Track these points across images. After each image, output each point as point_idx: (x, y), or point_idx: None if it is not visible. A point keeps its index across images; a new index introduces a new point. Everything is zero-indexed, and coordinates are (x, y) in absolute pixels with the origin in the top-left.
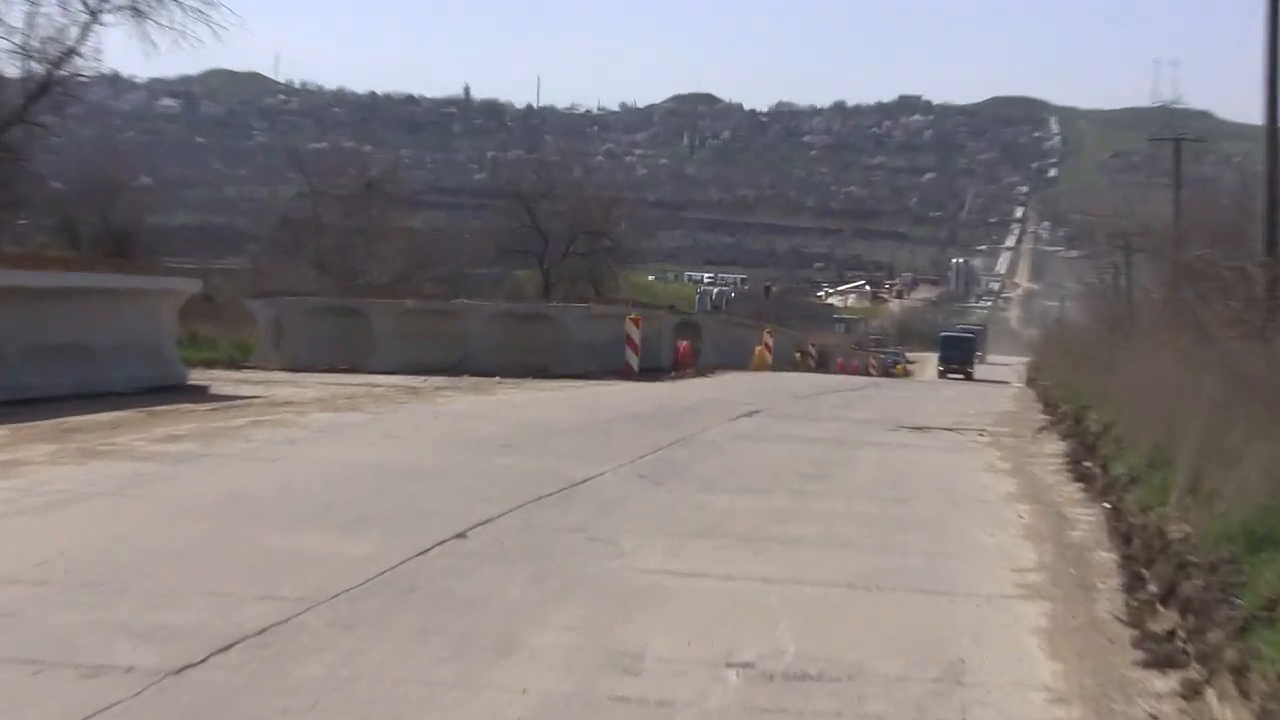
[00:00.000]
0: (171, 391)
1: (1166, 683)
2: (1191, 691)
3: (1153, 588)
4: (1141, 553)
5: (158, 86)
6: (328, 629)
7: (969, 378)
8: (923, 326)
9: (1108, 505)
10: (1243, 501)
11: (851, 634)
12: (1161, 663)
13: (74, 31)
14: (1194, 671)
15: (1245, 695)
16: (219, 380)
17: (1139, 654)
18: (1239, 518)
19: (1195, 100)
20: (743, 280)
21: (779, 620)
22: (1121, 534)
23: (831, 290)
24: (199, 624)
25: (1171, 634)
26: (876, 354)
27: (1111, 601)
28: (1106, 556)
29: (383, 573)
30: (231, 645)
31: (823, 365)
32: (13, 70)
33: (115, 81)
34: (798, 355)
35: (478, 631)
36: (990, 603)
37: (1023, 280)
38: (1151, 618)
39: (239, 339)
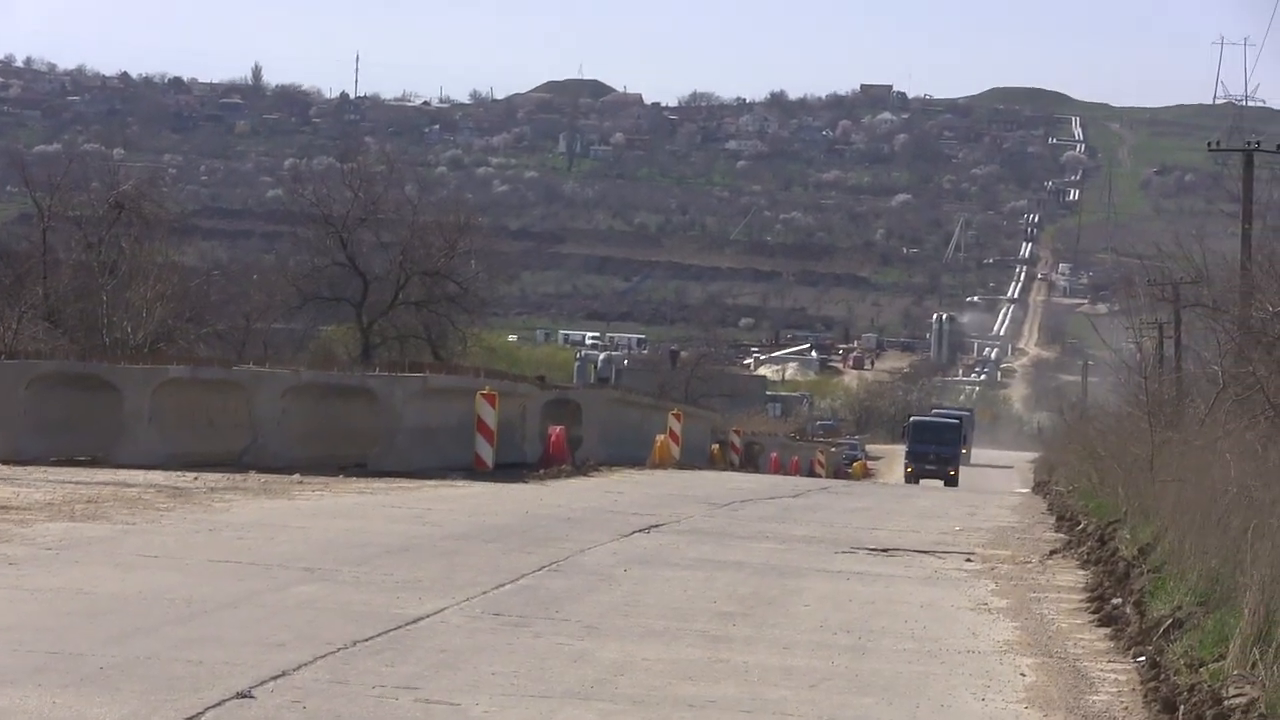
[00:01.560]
0: None
1: None
2: None
3: None
4: None
5: None
6: None
7: (951, 481)
8: (890, 408)
9: (1143, 659)
10: None
11: None
12: None
13: None
14: None
15: None
16: None
17: None
18: None
19: (1275, 97)
20: (640, 343)
21: None
22: (1162, 699)
23: (764, 357)
24: None
25: None
26: (826, 447)
27: None
28: None
29: None
30: None
31: (751, 462)
32: None
33: None
34: (716, 448)
35: None
36: None
37: (1030, 345)
38: None
39: None
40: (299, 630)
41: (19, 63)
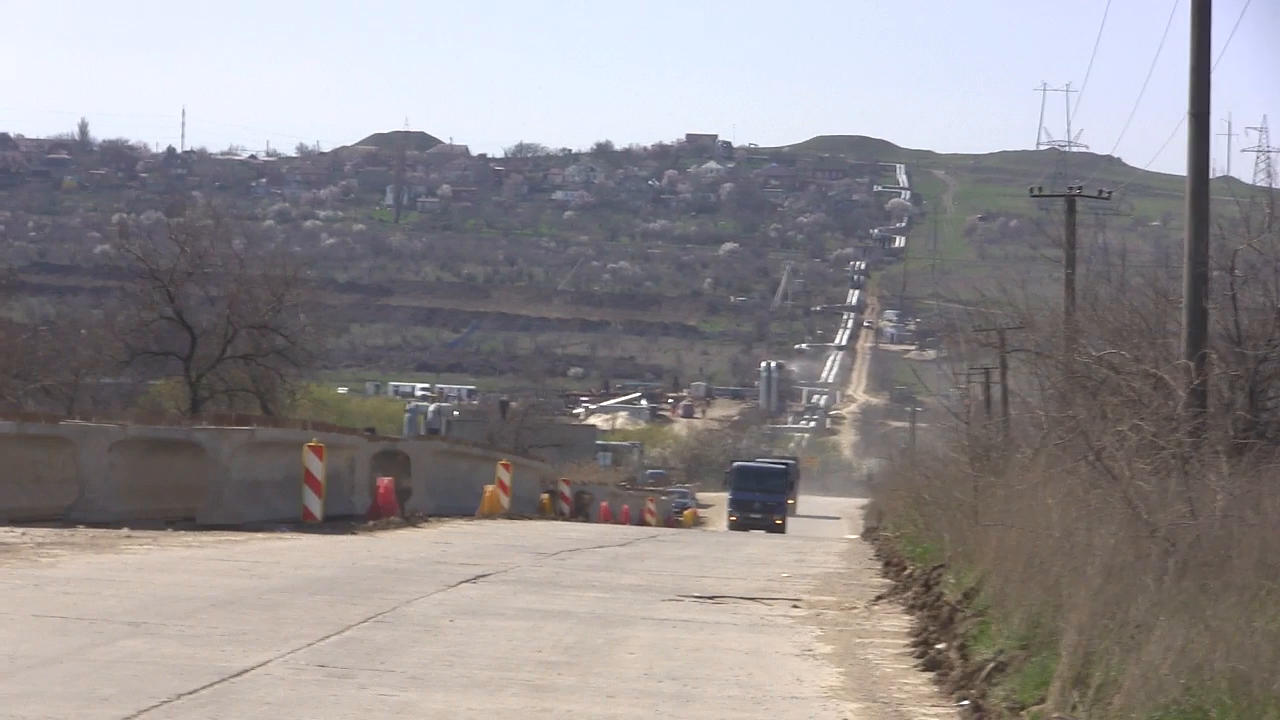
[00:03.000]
0: None
1: None
2: None
3: None
4: None
5: None
6: None
7: (778, 529)
8: (721, 457)
9: (966, 703)
10: (1148, 698)
11: None
12: None
13: None
14: None
15: None
16: None
17: None
18: (1143, 718)
19: (1098, 143)
20: (470, 394)
21: None
22: None
23: (594, 407)
24: None
25: None
26: (656, 495)
27: None
28: None
29: None
30: None
31: (581, 511)
32: None
33: None
34: (546, 497)
35: None
36: None
37: (859, 392)
38: None
39: None
40: (123, 685)
41: None
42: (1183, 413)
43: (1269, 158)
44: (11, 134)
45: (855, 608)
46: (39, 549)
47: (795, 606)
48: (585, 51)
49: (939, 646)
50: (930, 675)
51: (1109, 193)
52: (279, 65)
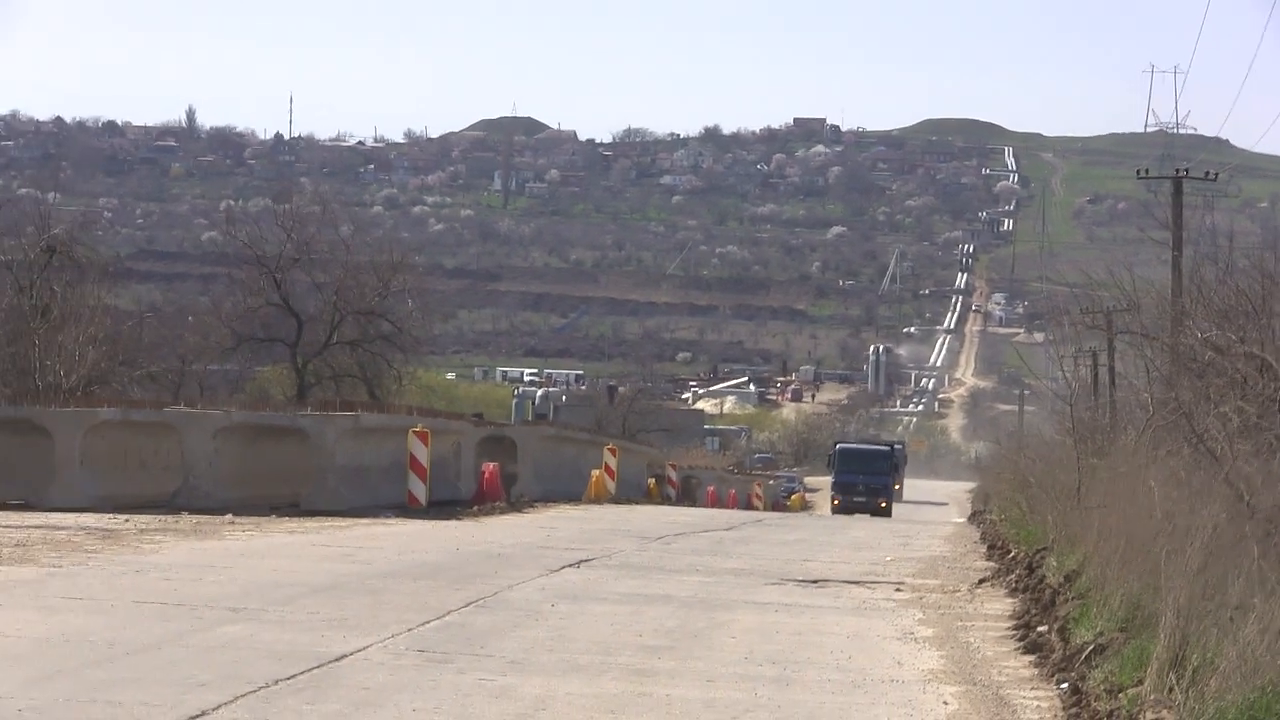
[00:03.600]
0: None
1: None
2: None
3: None
4: None
5: None
6: None
7: (882, 513)
8: (828, 440)
9: (1066, 685)
10: (1244, 679)
11: None
12: None
13: None
14: None
15: None
16: None
17: None
18: (1239, 700)
19: (1205, 125)
20: (578, 378)
21: None
22: None
23: (702, 391)
24: None
25: None
26: (763, 480)
27: None
28: None
29: None
30: None
31: (688, 495)
32: None
33: None
34: (653, 483)
35: None
36: None
37: (967, 375)
38: None
39: None
40: (222, 670)
41: (74, 117)
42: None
43: None
44: (119, 121)
45: (958, 591)
46: (142, 535)
47: (898, 590)
48: (693, 35)
49: (1040, 629)
50: (1030, 658)
51: (1216, 174)
52: (386, 51)
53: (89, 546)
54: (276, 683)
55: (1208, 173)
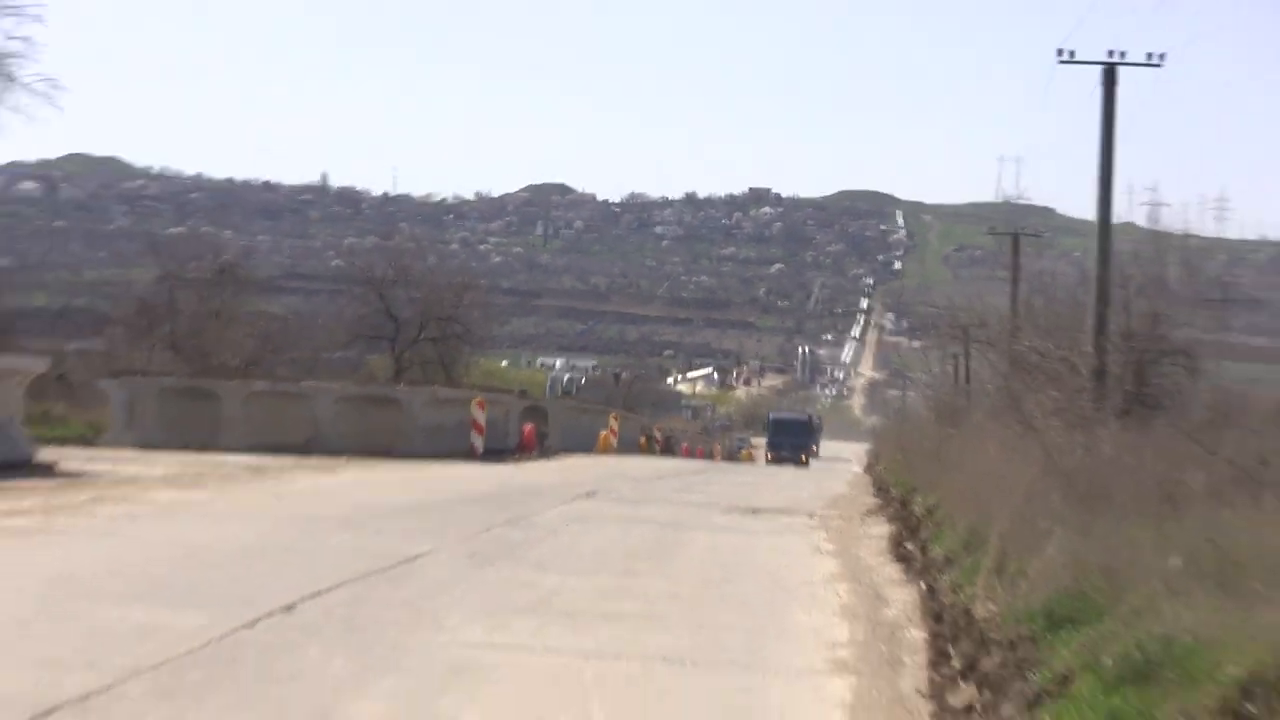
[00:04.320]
0: (17, 469)
1: None
2: None
3: (956, 664)
4: (949, 630)
5: (17, 170)
6: (146, 697)
7: (803, 464)
8: (766, 413)
9: (923, 585)
10: (1044, 583)
11: (662, 711)
12: None
13: None
14: None
15: None
16: (68, 458)
17: None
18: (1040, 598)
19: (1037, 196)
20: (594, 367)
21: (591, 696)
22: (933, 613)
23: (681, 377)
24: (22, 691)
25: (969, 708)
26: (721, 439)
27: (916, 677)
28: (916, 634)
29: (207, 644)
30: (51, 711)
31: (668, 450)
32: None
33: None
34: (643, 440)
35: (294, 704)
36: (800, 679)
37: (867, 369)
38: (952, 692)
39: (92, 418)
40: (335, 564)
41: (156, 169)
42: (1086, 386)
43: (1157, 209)
44: (273, 181)
45: (852, 519)
46: (281, 471)
47: (810, 518)
48: (677, 124)
49: (908, 546)
50: (900, 566)
51: (1043, 233)
52: (464, 131)
53: (244, 478)
54: (371, 574)
55: (1038, 232)
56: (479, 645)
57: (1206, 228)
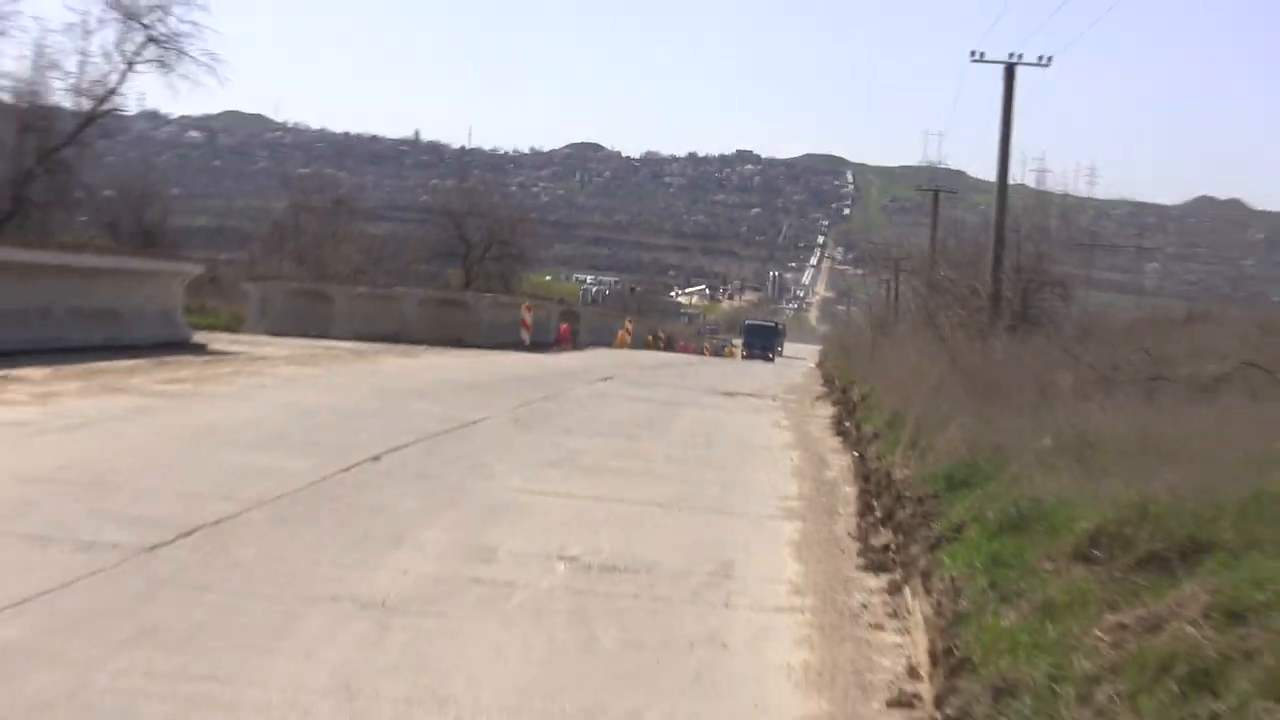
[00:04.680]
0: (178, 347)
1: (878, 582)
2: (894, 588)
3: (878, 514)
4: (874, 489)
5: (185, 122)
6: (266, 522)
7: (769, 360)
8: (744, 320)
9: (856, 454)
10: (946, 455)
11: (654, 540)
12: (876, 567)
13: (114, 77)
14: (898, 574)
15: (928, 591)
16: (216, 340)
17: (861, 561)
18: (943, 466)
19: (954, 162)
20: (615, 282)
21: (601, 528)
22: (862, 475)
23: (680, 292)
24: (171, 515)
25: (886, 547)
26: (711, 340)
27: (847, 523)
28: (849, 491)
29: (313, 484)
30: (193, 531)
31: (669, 346)
32: (67, 104)
33: (154, 117)
34: (650, 338)
35: (378, 529)
36: (760, 521)
37: (821, 290)
38: (874, 535)
39: (235, 311)
40: (411, 426)
41: (291, 124)
42: (984, 307)
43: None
44: (378, 135)
45: (805, 403)
46: (376, 355)
47: (774, 400)
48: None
49: (846, 424)
50: (840, 439)
51: (957, 191)
52: (523, 97)
53: (347, 359)
54: (440, 434)
55: (954, 190)
56: (518, 490)
57: (1080, 189)
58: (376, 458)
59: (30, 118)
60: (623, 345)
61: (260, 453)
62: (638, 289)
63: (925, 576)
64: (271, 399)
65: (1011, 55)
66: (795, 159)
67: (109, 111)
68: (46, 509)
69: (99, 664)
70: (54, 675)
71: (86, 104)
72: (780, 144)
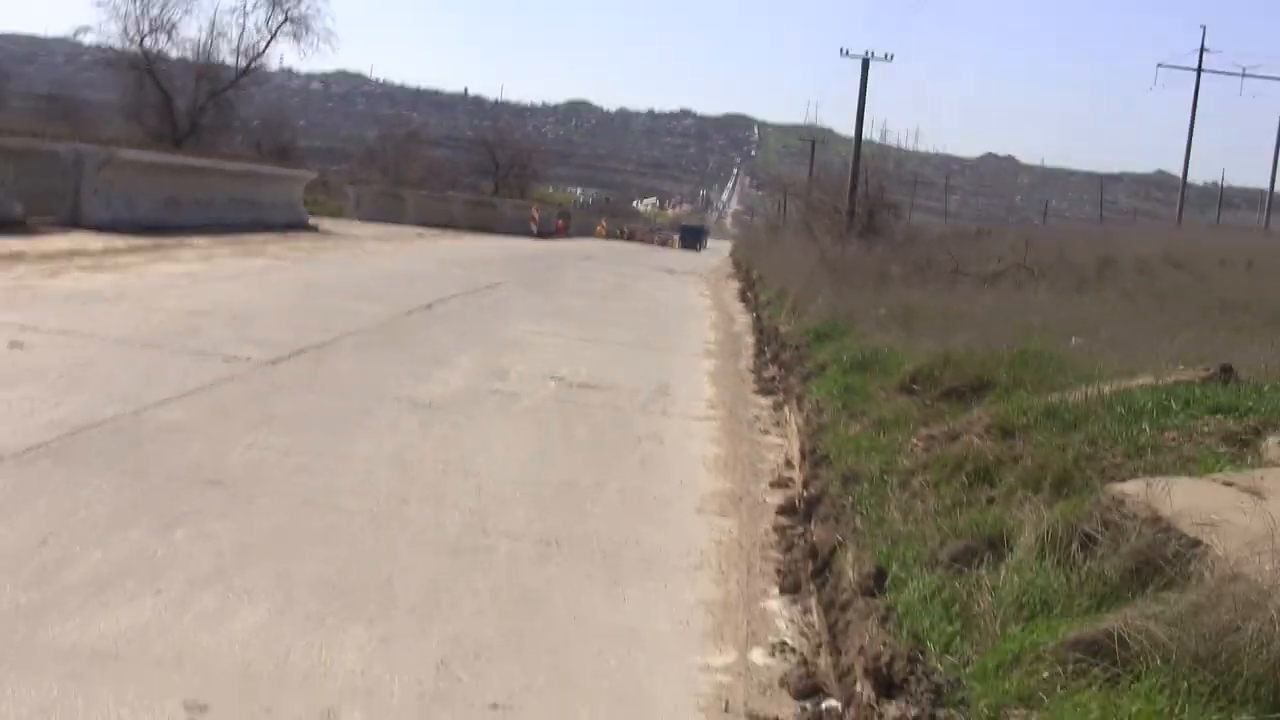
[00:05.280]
0: (299, 228)
1: (767, 401)
2: (777, 406)
3: (768, 355)
4: (766, 338)
5: (310, 77)
6: (352, 347)
7: (697, 251)
8: (679, 222)
9: (755, 315)
10: (815, 318)
11: (617, 368)
12: (766, 391)
13: (262, 44)
14: (780, 397)
15: (801, 409)
16: (325, 224)
17: (756, 387)
18: (813, 325)
19: (829, 122)
20: (597, 194)
21: (581, 359)
22: (759, 329)
23: (640, 202)
24: (287, 340)
25: (773, 379)
26: (659, 235)
27: (747, 361)
28: (750, 340)
29: (384, 322)
30: (302, 351)
31: (632, 239)
32: (229, 61)
33: (289, 73)
34: (619, 232)
35: (428, 354)
36: (689, 358)
37: (735, 205)
38: (765, 370)
39: (339, 205)
40: (452, 285)
41: (382, 79)
42: (843, 220)
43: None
44: (438, 89)
45: (721, 279)
46: (433, 238)
47: (700, 278)
48: (647, 58)
49: (749, 295)
50: (744, 304)
51: (829, 142)
52: (541, 61)
53: (414, 240)
54: (471, 292)
55: (825, 141)
56: (525, 332)
57: (909, 145)
58: (429, 306)
59: (204, 70)
60: (600, 236)
61: (350, 300)
62: (611, 199)
63: (799, 399)
64: (359, 263)
65: (867, 53)
66: (719, 116)
67: (258, 68)
68: (204, 333)
69: (235, 439)
70: (203, 445)
71: (243, 62)
72: (711, 104)
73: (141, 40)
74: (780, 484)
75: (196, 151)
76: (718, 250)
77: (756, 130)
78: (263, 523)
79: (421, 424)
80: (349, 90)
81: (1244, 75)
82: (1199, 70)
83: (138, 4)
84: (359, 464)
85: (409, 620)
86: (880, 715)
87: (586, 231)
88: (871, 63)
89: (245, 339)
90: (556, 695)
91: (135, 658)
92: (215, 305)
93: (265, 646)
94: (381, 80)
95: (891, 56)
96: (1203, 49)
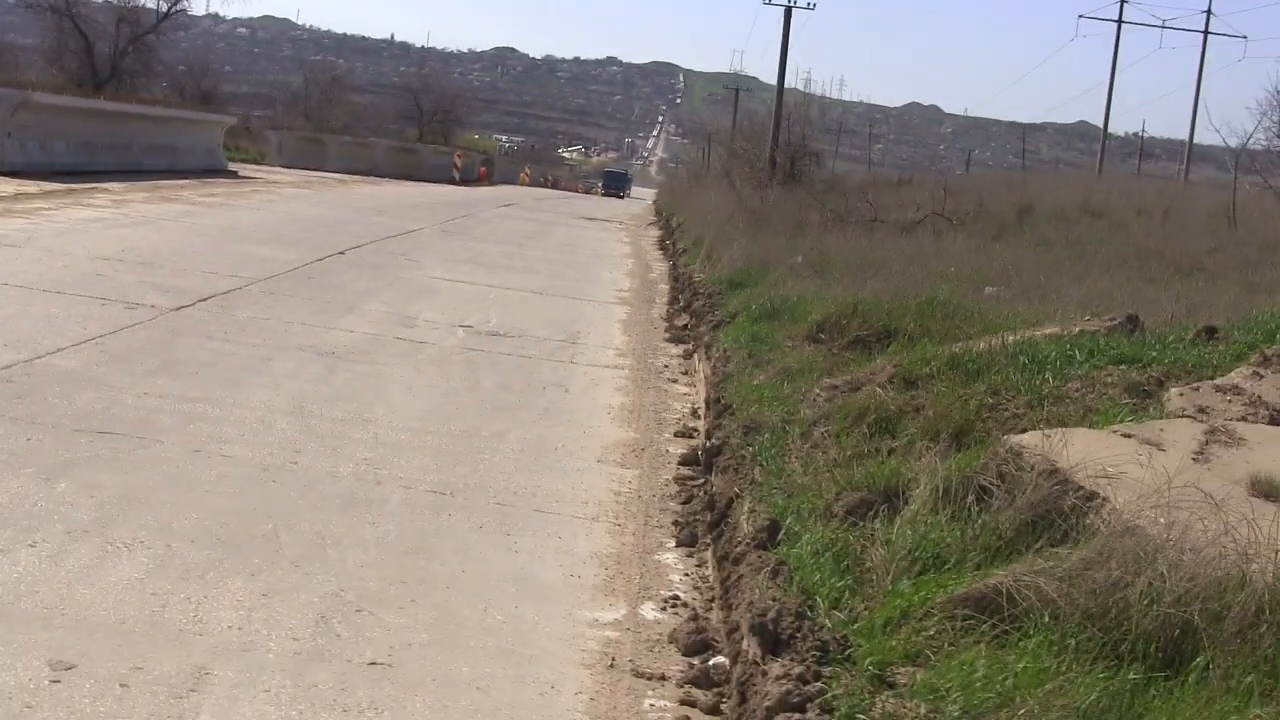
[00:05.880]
0: (217, 173)
1: (678, 350)
2: (688, 355)
3: (681, 303)
4: (680, 286)
5: (236, 22)
6: (260, 294)
7: (620, 199)
8: (603, 169)
9: (671, 263)
10: (729, 265)
11: (528, 316)
12: (677, 340)
13: None
14: (690, 345)
15: (709, 358)
16: (245, 170)
17: (667, 335)
18: (726, 273)
19: (753, 71)
20: (522, 141)
21: (491, 306)
22: (675, 277)
23: (565, 149)
24: (194, 287)
25: (685, 327)
26: (583, 182)
27: (660, 309)
28: (665, 287)
29: (296, 268)
30: (208, 298)
31: (556, 186)
32: (151, 4)
33: (215, 18)
34: (543, 179)
35: (337, 301)
36: (601, 306)
37: (660, 153)
38: (677, 318)
39: (260, 150)
40: (369, 231)
41: (309, 24)
42: (764, 168)
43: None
44: (365, 35)
45: (641, 227)
46: (354, 184)
47: (620, 224)
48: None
49: (668, 243)
50: (662, 252)
51: (752, 90)
52: (472, 7)
53: (332, 186)
54: (387, 238)
55: (750, 90)
56: (438, 278)
57: (833, 93)
58: (342, 252)
59: (125, 13)
60: (524, 184)
61: (263, 246)
62: (536, 146)
63: (708, 348)
64: (276, 209)
65: (790, 0)
66: (645, 64)
67: (179, 12)
68: (109, 279)
69: (129, 387)
70: (96, 393)
71: (164, 6)
72: (637, 52)
73: None
74: (685, 434)
75: (114, 96)
76: (642, 198)
77: (682, 78)
78: (150, 473)
79: (324, 372)
80: (275, 35)
81: (1164, 27)
82: (1119, 21)
83: None
84: (255, 413)
85: (292, 573)
86: (765, 673)
87: (510, 179)
88: (794, 11)
89: (151, 285)
90: (438, 651)
91: (1, 613)
92: (124, 251)
93: (141, 601)
94: (308, 26)
95: (814, 5)
96: (1123, 1)
